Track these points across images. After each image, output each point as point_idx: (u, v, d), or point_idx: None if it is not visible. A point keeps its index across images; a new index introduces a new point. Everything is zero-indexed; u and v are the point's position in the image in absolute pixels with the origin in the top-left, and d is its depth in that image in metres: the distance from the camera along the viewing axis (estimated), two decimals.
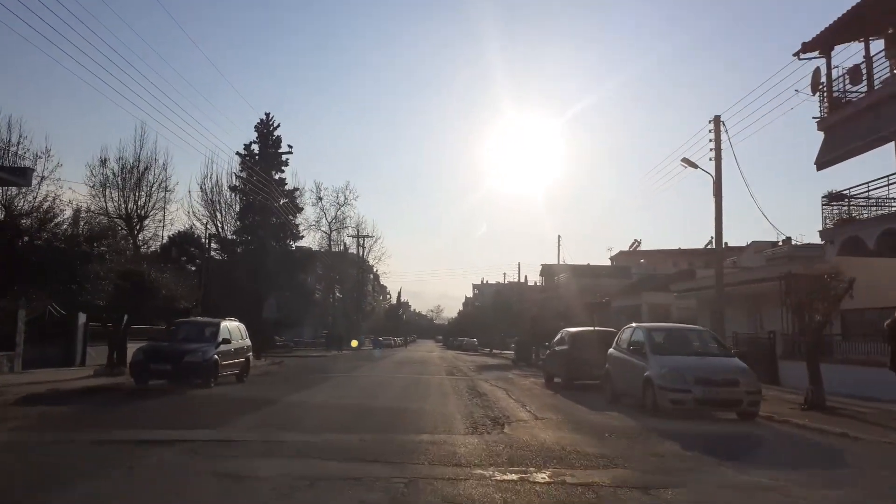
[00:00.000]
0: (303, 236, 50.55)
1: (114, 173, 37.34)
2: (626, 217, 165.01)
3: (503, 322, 54.98)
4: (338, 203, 68.12)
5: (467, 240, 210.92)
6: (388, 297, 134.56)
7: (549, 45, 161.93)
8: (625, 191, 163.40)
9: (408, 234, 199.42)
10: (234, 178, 43.96)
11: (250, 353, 19.55)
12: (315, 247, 64.78)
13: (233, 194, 43.95)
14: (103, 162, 36.95)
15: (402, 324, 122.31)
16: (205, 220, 42.44)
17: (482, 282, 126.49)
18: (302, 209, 49.21)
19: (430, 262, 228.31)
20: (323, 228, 67.61)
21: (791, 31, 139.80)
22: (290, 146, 46.85)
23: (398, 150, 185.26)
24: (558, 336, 21.25)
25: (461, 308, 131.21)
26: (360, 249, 71.09)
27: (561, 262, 50.00)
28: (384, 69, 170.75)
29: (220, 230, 43.06)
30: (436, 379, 22.47)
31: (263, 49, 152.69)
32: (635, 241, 71.12)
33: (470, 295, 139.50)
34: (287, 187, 46.47)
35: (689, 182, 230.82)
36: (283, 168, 46.44)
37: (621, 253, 72.89)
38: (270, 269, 43.25)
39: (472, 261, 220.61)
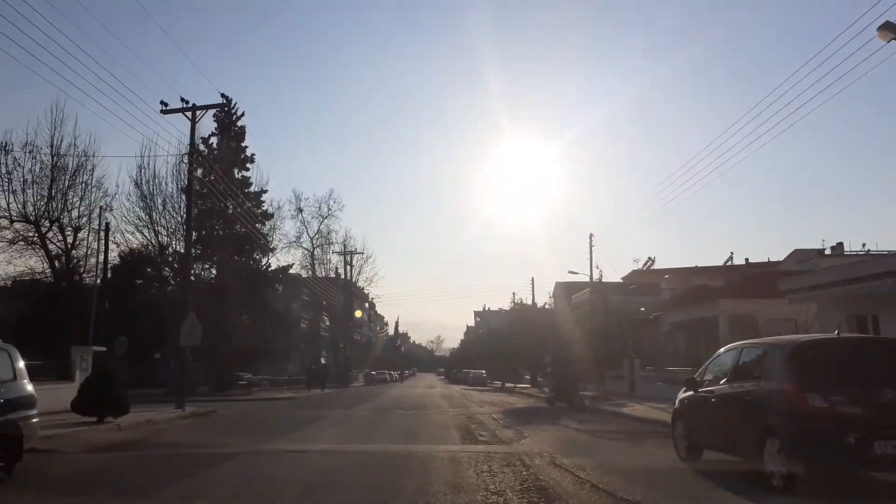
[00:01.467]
0: (274, 248, 42.31)
1: (19, 164, 29.55)
2: (632, 237, 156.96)
3: (526, 349, 45.84)
4: (321, 215, 59.96)
5: (466, 267, 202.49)
6: (386, 326, 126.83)
7: (549, 64, 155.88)
8: (629, 210, 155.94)
9: (403, 261, 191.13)
10: (181, 175, 35.55)
11: (31, 414, 9.13)
12: (297, 267, 56.63)
13: (181, 196, 35.64)
14: (3, 148, 29.14)
15: (401, 356, 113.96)
16: (139, 227, 34.24)
17: (484, 308, 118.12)
18: (272, 215, 41.03)
19: (428, 290, 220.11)
20: (305, 245, 59.48)
21: None
22: (237, 111, 38.41)
23: (391, 175, 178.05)
24: (724, 354, 9.67)
25: (462, 337, 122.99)
26: (348, 268, 62.57)
27: (596, 268, 40.70)
28: (377, 90, 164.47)
29: (159, 240, 34.74)
30: (439, 467, 9.47)
31: (237, 42, 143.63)
32: (649, 258, 62.10)
33: (472, 323, 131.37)
34: (253, 189, 38.30)
35: (693, 204, 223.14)
36: (247, 166, 38.43)
37: (634, 272, 64.32)
38: (232, 289, 35.01)
39: (472, 287, 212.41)
